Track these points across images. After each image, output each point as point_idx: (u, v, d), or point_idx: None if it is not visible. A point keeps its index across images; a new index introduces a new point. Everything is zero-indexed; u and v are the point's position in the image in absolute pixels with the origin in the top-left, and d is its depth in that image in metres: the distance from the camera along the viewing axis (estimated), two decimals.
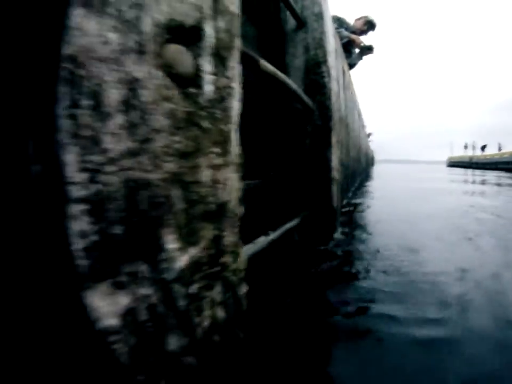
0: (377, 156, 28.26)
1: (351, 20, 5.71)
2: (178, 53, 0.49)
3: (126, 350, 0.43)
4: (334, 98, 2.12)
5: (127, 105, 0.41)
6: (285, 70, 2.24)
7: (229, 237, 0.65)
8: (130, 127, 0.41)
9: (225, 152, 0.61)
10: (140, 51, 0.43)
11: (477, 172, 19.02)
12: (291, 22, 2.26)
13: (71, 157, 0.36)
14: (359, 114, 7.00)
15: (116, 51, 0.41)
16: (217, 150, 0.58)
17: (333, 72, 2.18)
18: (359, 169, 7.39)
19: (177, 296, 0.51)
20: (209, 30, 0.57)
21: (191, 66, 0.52)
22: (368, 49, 5.64)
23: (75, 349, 0.42)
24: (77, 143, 0.36)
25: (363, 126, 8.51)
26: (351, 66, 5.49)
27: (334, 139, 2.08)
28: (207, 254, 0.57)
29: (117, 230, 0.40)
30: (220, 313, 0.66)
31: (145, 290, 0.45)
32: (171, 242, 0.48)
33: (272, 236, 1.44)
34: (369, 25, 5.53)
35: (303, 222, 1.94)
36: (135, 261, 0.42)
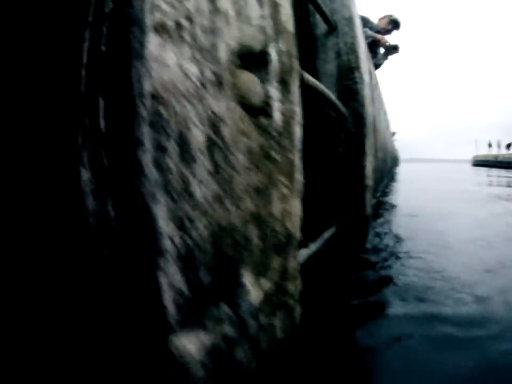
0: (402, 155, 27.62)
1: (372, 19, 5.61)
2: (250, 82, 0.47)
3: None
4: (367, 104, 2.07)
5: (211, 145, 0.39)
6: (315, 75, 2.21)
7: (292, 264, 0.62)
8: (215, 169, 0.39)
9: (291, 182, 0.59)
10: (218, 82, 0.41)
11: (503, 171, 18.04)
12: (321, 26, 2.23)
13: (160, 208, 0.34)
14: (385, 114, 6.85)
15: (196, 84, 0.39)
16: (285, 180, 0.56)
17: (366, 78, 2.13)
18: (386, 170, 7.24)
19: (250, 326, 0.50)
20: (273, 53, 0.55)
21: (262, 94, 0.50)
22: (393, 49, 5.51)
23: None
24: (166, 192, 0.34)
25: (389, 126, 8.33)
26: (377, 66, 5.38)
27: (367, 146, 2.03)
28: (275, 284, 0.55)
29: (204, 276, 0.38)
30: (280, 334, 0.64)
31: (225, 328, 0.43)
32: (247, 278, 0.46)
33: (314, 247, 1.41)
34: (393, 24, 5.40)
35: (337, 230, 1.91)
36: (218, 303, 0.41)
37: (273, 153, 0.52)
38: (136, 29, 0.38)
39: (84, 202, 0.37)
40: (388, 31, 5.42)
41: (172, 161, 0.35)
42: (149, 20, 0.36)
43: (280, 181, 0.54)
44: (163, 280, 0.34)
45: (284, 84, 0.57)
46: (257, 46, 0.50)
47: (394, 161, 14.11)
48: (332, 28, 2.16)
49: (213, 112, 0.39)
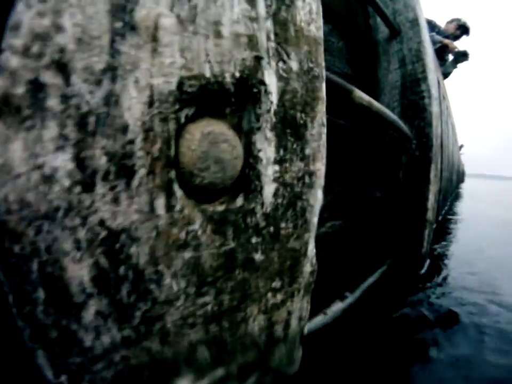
0: (468, 170, 25.42)
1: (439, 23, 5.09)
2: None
3: None
4: (435, 123, 1.71)
5: None
6: (377, 86, 1.90)
7: None
8: None
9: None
10: None
11: None
12: (383, 30, 1.92)
13: None
14: (453, 128, 6.19)
15: None
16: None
17: (434, 91, 1.77)
18: (450, 190, 6.54)
19: None
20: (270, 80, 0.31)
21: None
22: (463, 56, 4.93)
23: None
24: None
25: (456, 140, 7.57)
26: (445, 75, 4.84)
27: (433, 173, 1.67)
28: None
29: None
30: None
31: None
32: None
33: (350, 299, 1.14)
34: (462, 29, 4.84)
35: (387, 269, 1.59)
36: None
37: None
38: None
39: None
40: (456, 37, 4.87)
41: None
42: None
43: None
44: None
45: (292, 130, 0.33)
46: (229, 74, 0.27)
47: (460, 177, 12.95)
48: (395, 32, 1.84)
49: None
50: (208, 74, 0.37)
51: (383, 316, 1.35)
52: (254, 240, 0.38)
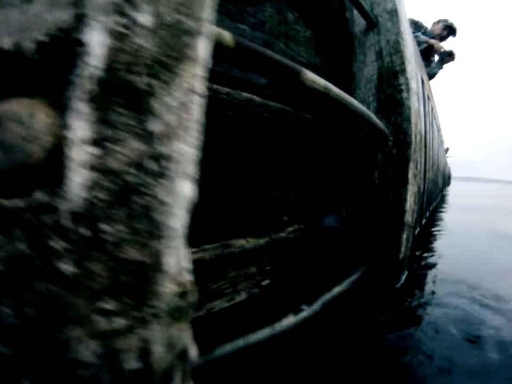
0: (455, 173, 25.57)
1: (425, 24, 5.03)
2: None
3: None
4: (413, 119, 1.60)
5: None
6: (351, 81, 1.78)
7: None
8: None
9: None
10: None
11: None
12: (359, 22, 1.81)
13: None
14: (439, 130, 6.14)
15: None
16: None
17: (413, 85, 1.66)
18: (436, 192, 6.49)
19: None
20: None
21: None
22: (449, 56, 4.88)
23: None
24: None
25: (442, 142, 7.55)
26: (431, 76, 4.78)
27: (411, 172, 1.55)
28: None
29: None
30: None
31: None
32: None
33: (306, 312, 1.02)
34: (449, 29, 4.78)
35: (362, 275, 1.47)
36: None
37: None
38: None
39: None
40: (442, 38, 4.81)
41: None
42: None
43: None
44: None
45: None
46: None
47: (445, 180, 13.01)
48: (372, 23, 1.73)
49: None
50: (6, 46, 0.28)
51: (348, 342, 1.19)
52: (57, 246, 0.26)
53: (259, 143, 1.12)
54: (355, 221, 1.67)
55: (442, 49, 4.66)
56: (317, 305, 1.05)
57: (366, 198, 1.63)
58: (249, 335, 0.85)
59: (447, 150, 12.50)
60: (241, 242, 1.11)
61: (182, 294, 0.37)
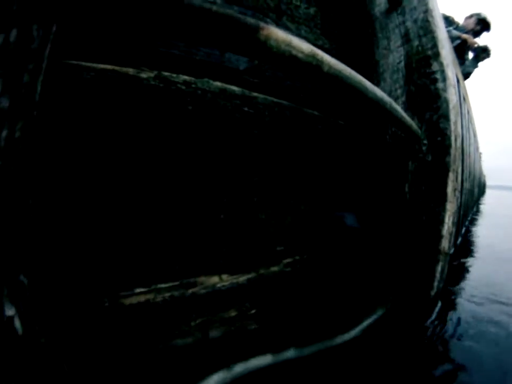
0: (488, 181, 24.04)
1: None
2: None
3: None
4: (453, 116, 1.23)
5: None
6: (374, 71, 1.44)
7: None
8: None
9: None
10: None
11: None
12: (379, 2, 1.48)
13: None
14: (475, 135, 5.61)
15: None
16: None
17: (450, 73, 1.30)
18: (472, 203, 5.93)
19: None
20: None
21: None
22: (483, 52, 4.41)
23: None
24: None
25: (478, 148, 6.96)
26: (466, 76, 4.32)
27: (450, 186, 1.19)
28: None
29: None
30: None
31: None
32: None
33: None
34: (482, 24, 4.32)
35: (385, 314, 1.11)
36: None
37: None
38: None
39: None
40: (476, 33, 4.36)
41: None
42: None
43: None
44: None
45: None
46: None
47: (481, 190, 12.17)
48: (395, 2, 1.39)
49: None
50: None
51: None
52: None
53: (238, 147, 0.81)
54: (376, 248, 1.31)
55: (476, 45, 4.21)
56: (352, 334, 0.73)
57: (392, 218, 1.27)
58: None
59: (479, 155, 11.70)
60: (212, 280, 0.80)
61: None
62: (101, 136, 0.60)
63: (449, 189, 1.18)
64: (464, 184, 3.45)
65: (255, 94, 0.84)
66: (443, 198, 1.16)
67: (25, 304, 0.36)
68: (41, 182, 0.53)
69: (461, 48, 4.21)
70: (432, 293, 1.22)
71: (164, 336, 0.71)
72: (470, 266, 2.64)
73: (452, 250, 2.77)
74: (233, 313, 0.88)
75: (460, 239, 3.43)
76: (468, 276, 2.29)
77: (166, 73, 0.67)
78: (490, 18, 4.42)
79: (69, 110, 0.56)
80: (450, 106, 1.23)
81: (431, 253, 1.20)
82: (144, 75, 0.63)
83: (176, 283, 0.75)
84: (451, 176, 1.18)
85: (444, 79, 1.24)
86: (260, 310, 0.94)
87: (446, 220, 1.18)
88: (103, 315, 0.62)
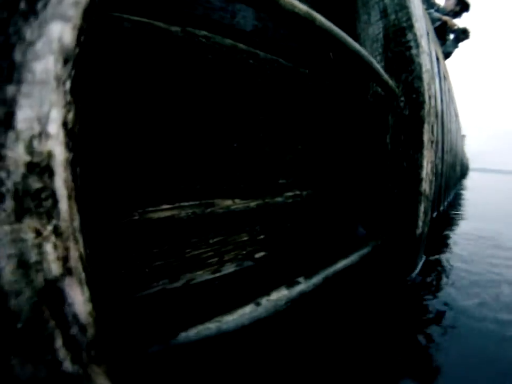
0: (471, 164, 24.47)
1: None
2: None
3: None
4: (426, 77, 1.44)
5: None
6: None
7: None
8: None
9: None
10: None
11: None
12: None
13: None
14: (456, 115, 5.86)
15: None
16: None
17: (423, 42, 1.50)
18: (454, 180, 6.20)
19: None
20: None
21: None
22: (463, 33, 4.64)
23: None
24: None
25: (459, 128, 7.24)
26: (446, 55, 4.55)
27: (426, 136, 1.40)
28: None
29: None
30: None
31: None
32: None
33: (302, 286, 0.87)
34: (462, 4, 4.55)
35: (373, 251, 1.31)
36: None
37: None
38: None
39: None
40: (456, 14, 4.59)
41: None
42: None
43: None
44: None
45: None
46: None
47: (464, 170, 12.52)
48: None
49: None
50: None
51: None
52: None
53: (246, 91, 1.00)
54: (365, 190, 1.52)
55: (456, 27, 4.44)
56: (317, 279, 0.91)
57: (377, 165, 1.48)
58: (229, 315, 0.71)
59: (463, 137, 12.01)
60: (226, 203, 0.97)
61: (36, 171, 0.25)
62: (136, 78, 0.76)
63: (425, 138, 1.39)
64: (445, 156, 3.68)
65: (258, 51, 1.04)
66: (420, 145, 1.37)
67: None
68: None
69: (441, 30, 4.43)
70: (417, 231, 1.43)
71: (186, 250, 0.86)
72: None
73: (435, 214, 3.01)
74: (245, 237, 1.07)
75: (442, 208, 3.69)
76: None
77: (190, 29, 0.85)
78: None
79: (111, 55, 0.73)
80: (424, 69, 1.43)
81: (414, 195, 1.40)
82: (173, 28, 0.81)
83: (197, 202, 0.89)
84: (426, 127, 1.39)
85: (417, 47, 1.45)
86: (268, 236, 1.13)
87: (425, 164, 1.39)
88: (133, 227, 0.72)
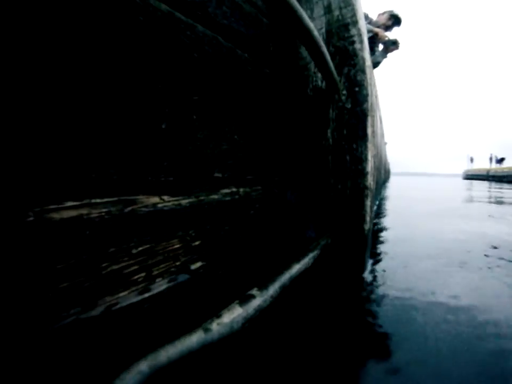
0: (392, 169, 26.85)
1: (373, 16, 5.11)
2: None
3: None
4: (368, 72, 1.46)
5: None
6: None
7: None
8: None
9: None
10: None
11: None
12: None
13: None
14: (381, 121, 6.29)
15: None
16: None
17: (365, 39, 1.52)
18: (380, 182, 6.66)
19: None
20: None
21: None
22: (393, 44, 4.97)
23: None
24: None
25: (383, 135, 7.79)
26: (375, 65, 4.83)
27: (370, 129, 1.41)
28: None
29: None
30: None
31: None
32: None
33: (259, 301, 0.76)
34: (394, 19, 4.88)
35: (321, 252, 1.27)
36: None
37: None
38: None
39: None
40: (387, 27, 4.90)
41: None
42: None
43: None
44: None
45: None
46: None
47: (387, 174, 13.57)
48: None
49: None
50: None
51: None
52: None
53: (181, 64, 0.86)
54: (311, 188, 1.49)
55: (386, 38, 4.72)
56: (273, 290, 0.80)
57: (318, 160, 1.46)
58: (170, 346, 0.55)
59: (385, 144, 13.01)
60: (152, 200, 0.77)
61: None
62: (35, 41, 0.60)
63: (369, 131, 1.39)
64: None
65: (197, 24, 0.93)
66: (365, 138, 1.37)
67: None
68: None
69: (372, 40, 4.69)
70: (366, 227, 1.41)
71: (103, 264, 0.64)
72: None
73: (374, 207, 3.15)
74: (177, 245, 0.86)
75: (374, 207, 3.91)
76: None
77: None
78: (401, 15, 4.99)
79: None
80: (367, 64, 1.45)
81: (359, 190, 1.39)
82: None
83: (114, 199, 0.68)
84: (370, 120, 1.40)
85: (361, 42, 1.45)
86: (204, 242, 0.96)
87: (369, 157, 1.39)
88: (27, 232, 0.52)
